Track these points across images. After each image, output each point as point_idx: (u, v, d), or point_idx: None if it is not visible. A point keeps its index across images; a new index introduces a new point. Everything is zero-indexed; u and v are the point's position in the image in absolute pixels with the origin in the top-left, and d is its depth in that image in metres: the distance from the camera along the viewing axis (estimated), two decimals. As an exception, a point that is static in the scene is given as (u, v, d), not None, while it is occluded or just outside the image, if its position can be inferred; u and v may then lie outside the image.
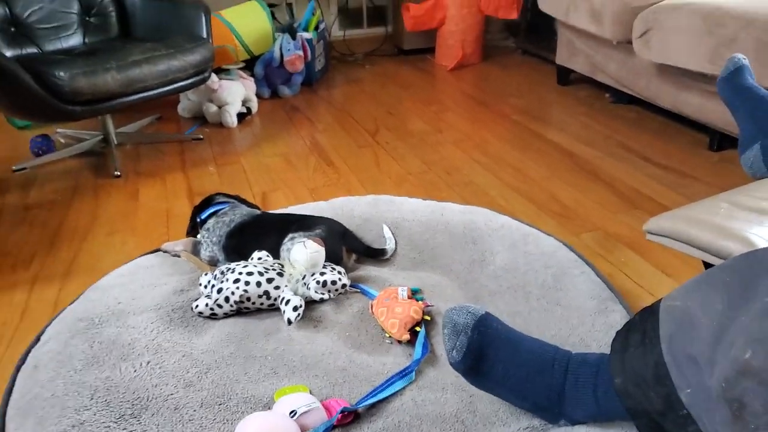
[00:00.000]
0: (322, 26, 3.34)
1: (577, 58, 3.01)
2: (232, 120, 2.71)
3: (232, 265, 1.39)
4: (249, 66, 3.04)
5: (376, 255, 1.57)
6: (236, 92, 2.75)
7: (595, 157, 2.35)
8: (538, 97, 3.07)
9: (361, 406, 1.11)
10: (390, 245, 1.59)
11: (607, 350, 1.21)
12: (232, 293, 1.32)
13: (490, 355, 1.04)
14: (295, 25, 3.15)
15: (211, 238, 1.59)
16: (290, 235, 1.52)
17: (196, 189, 2.16)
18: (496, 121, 2.75)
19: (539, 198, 2.04)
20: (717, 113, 2.25)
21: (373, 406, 1.12)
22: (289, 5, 3.56)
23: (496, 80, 3.36)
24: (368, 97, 3.13)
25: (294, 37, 3.01)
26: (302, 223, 1.54)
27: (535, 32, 3.79)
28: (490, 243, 1.54)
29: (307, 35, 3.12)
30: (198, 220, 1.67)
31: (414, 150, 2.46)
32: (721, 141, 2.35)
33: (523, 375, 1.02)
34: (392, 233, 1.62)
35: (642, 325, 0.95)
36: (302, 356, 1.23)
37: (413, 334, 1.28)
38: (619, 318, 1.29)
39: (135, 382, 1.15)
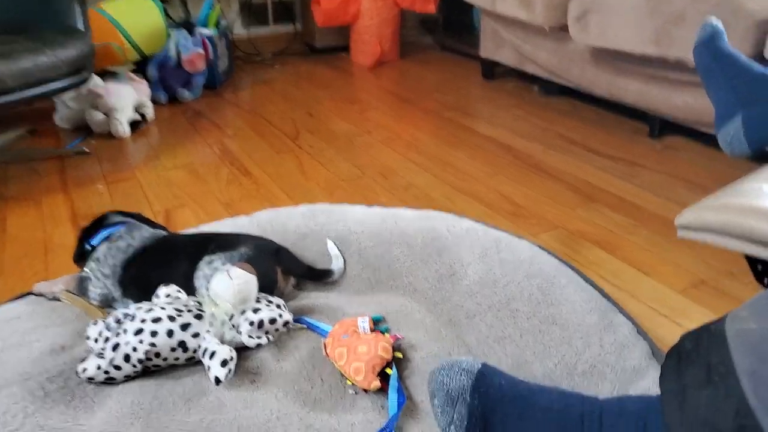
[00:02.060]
0: (223, 22, 2.99)
1: (504, 50, 2.84)
2: (123, 129, 2.31)
3: (132, 308, 1.04)
4: (141, 68, 2.64)
5: (320, 277, 1.27)
6: (126, 97, 2.36)
7: (537, 151, 2.17)
8: (465, 92, 2.88)
9: (329, 492, 0.80)
10: (337, 264, 1.29)
11: (625, 378, 0.98)
12: (134, 349, 0.97)
13: (498, 422, 0.77)
14: (193, 20, 2.79)
15: (101, 269, 1.24)
16: (206, 258, 1.19)
17: (82, 212, 1.77)
18: (425, 118, 2.52)
19: (487, 197, 1.82)
20: (658, 98, 2.12)
21: (345, 489, 0.82)
22: (183, 0, 3.18)
23: (418, 77, 3.14)
24: (282, 99, 2.81)
25: (192, 34, 2.64)
26: (221, 242, 1.22)
27: (452, 27, 3.62)
28: (457, 253, 1.27)
29: (207, 32, 2.76)
30: (88, 247, 1.31)
31: (342, 153, 2.17)
32: (661, 128, 2.24)
33: None
34: (339, 250, 1.32)
35: (702, 356, 0.70)
36: (239, 426, 0.90)
37: (383, 378, 0.98)
38: (627, 333, 1.06)
39: (-9, 497, 0.78)
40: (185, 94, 2.74)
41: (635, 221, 1.67)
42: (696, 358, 0.71)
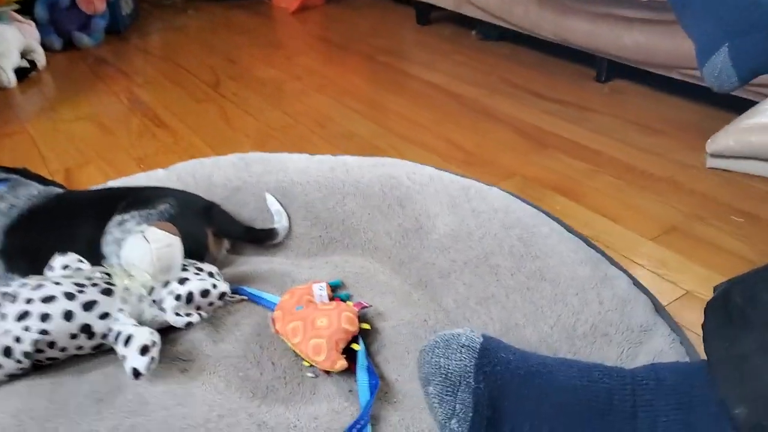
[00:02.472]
0: (125, -41, 2.63)
1: (440, -9, 2.65)
2: (8, 77, 1.98)
3: (14, 285, 0.80)
4: (27, 8, 2.27)
5: (261, 239, 1.05)
6: (10, 40, 2.02)
7: (482, 96, 2.02)
8: (400, 38, 2.68)
9: None
10: (281, 222, 1.07)
11: (633, 339, 0.83)
12: (18, 339, 0.73)
13: (509, 409, 0.60)
14: (88, -46, 2.42)
15: (-23, 239, 0.98)
16: (117, 219, 0.95)
17: (-41, 173, 1.46)
18: (360, 63, 2.31)
19: (437, 145, 1.66)
20: (606, 38, 2.00)
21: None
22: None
23: (348, 22, 2.90)
24: (198, 45, 2.51)
25: (88, -32, 2.29)
26: (136, 198, 0.98)
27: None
28: (422, 203, 1.08)
29: (106, -33, 2.41)
30: None
31: (271, 100, 1.93)
32: (609, 71, 2.13)
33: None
34: (281, 205, 1.10)
35: (762, 312, 0.56)
36: (170, 430, 0.70)
37: (349, 355, 0.80)
38: (625, 286, 0.92)
39: None
40: (84, 39, 2.39)
41: (594, 166, 1.55)
42: (755, 315, 0.56)
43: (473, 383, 0.60)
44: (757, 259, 1.16)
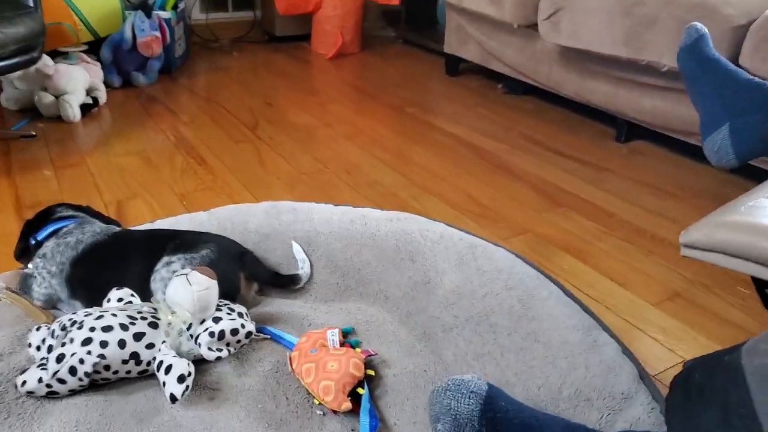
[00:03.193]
0: (181, 6, 2.85)
1: (469, 46, 2.79)
2: (74, 112, 2.17)
3: (80, 314, 0.94)
4: (94, 49, 2.49)
5: (286, 284, 1.18)
6: (78, 79, 2.22)
7: (502, 151, 2.12)
8: (428, 88, 2.82)
9: None
10: (304, 269, 1.20)
11: (614, 405, 0.92)
12: (81, 361, 0.87)
13: None
14: (150, 2, 2.64)
15: (48, 267, 1.13)
16: (165, 260, 1.09)
17: (28, 199, 1.63)
18: (388, 113, 2.45)
19: (454, 198, 1.76)
20: (626, 101, 2.11)
21: None
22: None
23: (379, 71, 3.06)
24: (240, 87, 2.69)
25: (149, 16, 2.50)
26: (182, 242, 1.12)
27: (415, 21, 3.56)
28: (432, 259, 1.20)
29: (164, 14, 2.62)
30: (32, 242, 1.19)
31: (303, 145, 2.08)
32: (628, 132, 2.22)
33: None
34: (305, 253, 1.23)
35: (718, 394, 0.65)
36: (197, 450, 0.82)
37: (354, 398, 0.91)
38: (613, 353, 1.01)
39: None
40: (140, 78, 2.60)
41: (605, 228, 1.62)
42: (710, 395, 0.65)
43: (477, 426, 0.71)
44: (759, 332, 1.21)
